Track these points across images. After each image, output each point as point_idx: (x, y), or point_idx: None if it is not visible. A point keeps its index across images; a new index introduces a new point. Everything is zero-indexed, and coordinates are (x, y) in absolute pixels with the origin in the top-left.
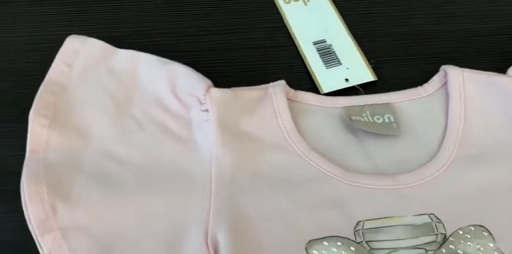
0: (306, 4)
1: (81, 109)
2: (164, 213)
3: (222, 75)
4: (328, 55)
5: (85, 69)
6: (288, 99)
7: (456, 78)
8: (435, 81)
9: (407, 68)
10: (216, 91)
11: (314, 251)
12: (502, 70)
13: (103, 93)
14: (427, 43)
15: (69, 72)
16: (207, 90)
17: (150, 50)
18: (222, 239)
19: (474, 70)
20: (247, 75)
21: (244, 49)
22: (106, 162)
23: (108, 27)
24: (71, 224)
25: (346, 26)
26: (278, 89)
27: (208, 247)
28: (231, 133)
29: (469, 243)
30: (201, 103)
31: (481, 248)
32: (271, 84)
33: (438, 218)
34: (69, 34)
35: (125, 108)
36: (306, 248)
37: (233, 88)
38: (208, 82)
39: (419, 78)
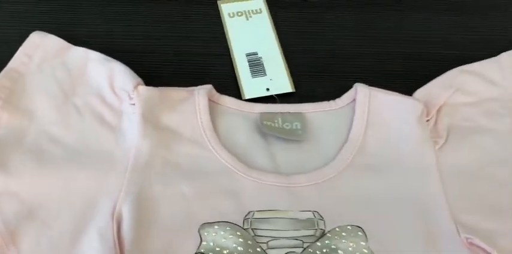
0: (247, 19)
1: (32, 95)
2: (84, 187)
3: (159, 76)
4: (256, 66)
5: (42, 61)
6: (211, 101)
7: (363, 95)
8: (346, 96)
9: (325, 84)
10: (143, 89)
11: (205, 233)
12: (411, 92)
13: (53, 83)
14: (346, 62)
15: (28, 62)
16: (136, 87)
17: (102, 49)
18: (126, 214)
19: (381, 90)
20: (182, 78)
21: (185, 54)
22: (44, 141)
23: (71, 27)
24: (4, 189)
25: (278, 42)
26: (202, 91)
27: (113, 220)
28: (152, 125)
29: (343, 240)
30: (130, 98)
31: (354, 246)
32: (199, 86)
33: (321, 216)
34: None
35: (70, 97)
36: (198, 230)
37: (162, 87)
38: (138, 80)
39: (334, 93)
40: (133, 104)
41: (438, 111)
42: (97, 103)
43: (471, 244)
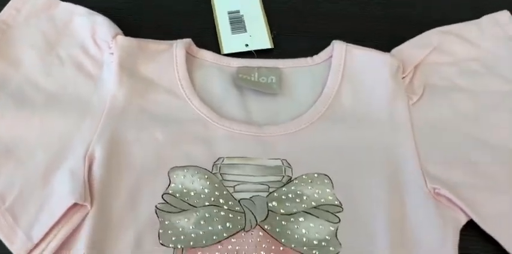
0: None
1: (18, 45)
2: (61, 130)
3: (141, 33)
4: (237, 23)
5: (29, 15)
6: (190, 54)
7: (340, 50)
8: (324, 53)
9: (304, 43)
10: (121, 38)
11: (174, 176)
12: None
13: (39, 35)
14: (327, 22)
15: (16, 15)
16: (114, 37)
17: (88, 5)
18: (98, 154)
19: (358, 46)
20: (162, 35)
21: (167, 11)
22: (26, 87)
23: None
24: None
25: (261, 1)
26: (181, 44)
27: (85, 162)
28: (129, 74)
29: (309, 187)
30: (110, 47)
31: (319, 192)
32: (178, 40)
33: (289, 164)
34: None
35: (54, 48)
36: (168, 172)
37: (141, 39)
38: (118, 30)
39: (312, 52)
40: (112, 53)
41: (415, 69)
42: (80, 54)
43: (438, 194)
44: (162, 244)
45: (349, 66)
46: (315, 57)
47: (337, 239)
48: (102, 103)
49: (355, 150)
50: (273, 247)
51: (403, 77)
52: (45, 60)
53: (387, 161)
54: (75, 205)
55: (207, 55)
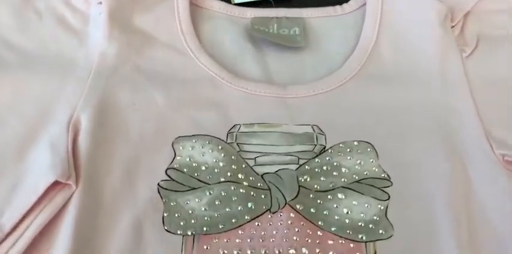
0: None
1: None
2: (38, 94)
3: None
4: None
5: None
6: (194, 5)
7: None
8: (355, 0)
9: None
10: None
11: (180, 147)
12: None
13: None
14: None
15: None
16: None
17: None
18: (85, 122)
19: None
20: None
21: None
22: None
23: None
24: None
25: None
26: None
27: (69, 131)
28: (121, 27)
29: (348, 157)
30: None
31: (361, 163)
32: None
33: (321, 130)
34: None
35: (31, 0)
36: (172, 144)
37: None
38: None
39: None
40: (100, 3)
41: (465, 17)
42: (60, 5)
43: (508, 162)
44: (167, 231)
45: (387, 13)
46: (344, 5)
47: (388, 220)
48: (89, 62)
49: (400, 112)
50: (309, 232)
51: (452, 27)
52: (19, 15)
53: (441, 125)
54: (56, 184)
55: (215, 4)
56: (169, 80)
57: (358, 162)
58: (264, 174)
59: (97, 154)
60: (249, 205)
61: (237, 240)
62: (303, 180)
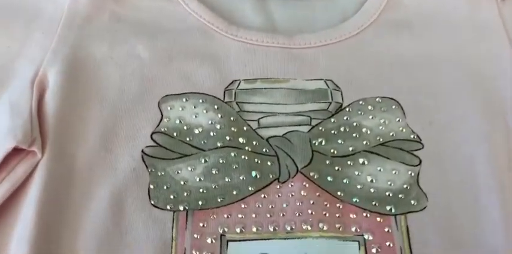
0: None
1: None
2: None
3: None
4: None
5: None
6: None
7: None
8: None
9: None
10: None
11: (168, 107)
12: None
13: None
14: None
15: None
16: None
17: None
18: (53, 80)
19: None
20: None
21: None
22: None
23: None
24: None
25: None
26: None
27: (33, 88)
28: None
29: (370, 116)
30: None
31: (386, 123)
32: None
33: (336, 86)
34: None
35: None
36: (158, 103)
37: None
38: None
39: None
40: None
41: None
42: None
43: None
44: (154, 206)
45: None
46: None
47: (421, 188)
48: (58, 9)
49: (427, 63)
50: (326, 204)
51: None
52: None
53: (475, 76)
54: (16, 151)
55: None
56: (154, 30)
57: (382, 121)
58: (269, 137)
59: (67, 116)
60: (253, 174)
61: (240, 215)
62: (317, 144)
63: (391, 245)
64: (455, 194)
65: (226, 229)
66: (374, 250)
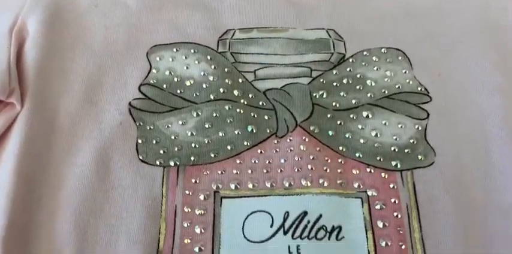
0: None
1: None
2: None
3: None
4: None
5: None
6: None
7: None
8: None
9: None
10: None
11: (157, 58)
12: None
13: None
14: None
15: None
16: None
17: None
18: (33, 29)
19: None
20: None
21: None
22: None
23: None
24: None
25: None
26: None
27: (11, 37)
28: None
29: (374, 67)
30: None
31: (391, 75)
32: None
33: (339, 35)
34: None
35: None
36: (147, 54)
37: None
38: None
39: None
40: None
41: None
42: None
43: None
44: (143, 161)
45: None
46: None
47: (428, 143)
48: None
49: (436, 11)
50: (327, 159)
51: None
52: None
53: (488, 25)
54: None
55: None
56: None
57: (388, 73)
58: (266, 90)
59: (49, 67)
60: (249, 128)
61: (234, 171)
62: (317, 96)
63: (397, 201)
64: (465, 148)
65: (220, 186)
66: (378, 207)
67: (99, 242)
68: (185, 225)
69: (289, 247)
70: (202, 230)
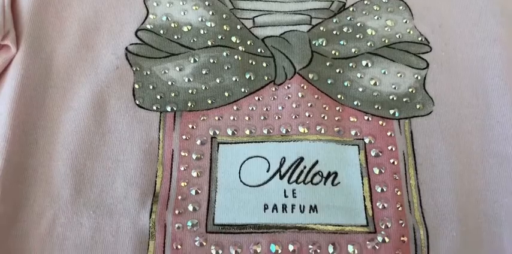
0: None
1: None
2: None
3: None
4: None
5: None
6: None
7: None
8: None
9: None
10: None
11: (154, 3)
12: None
13: None
14: None
15: None
16: None
17: None
18: None
19: None
20: None
21: None
22: None
23: None
24: None
25: None
26: None
27: None
28: None
29: (375, 16)
30: None
31: (392, 24)
32: None
33: None
34: None
35: None
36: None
37: None
38: None
39: None
40: None
41: None
42: None
43: None
44: (139, 106)
45: None
46: None
47: (427, 92)
48: None
49: None
50: (325, 107)
51: None
52: None
53: None
54: None
55: None
56: None
57: (388, 22)
58: (265, 37)
59: (45, 10)
60: (247, 75)
61: (232, 118)
62: (317, 44)
63: (393, 149)
64: (465, 98)
65: (217, 132)
66: (374, 154)
67: (95, 183)
68: (182, 169)
69: (284, 191)
70: (199, 174)
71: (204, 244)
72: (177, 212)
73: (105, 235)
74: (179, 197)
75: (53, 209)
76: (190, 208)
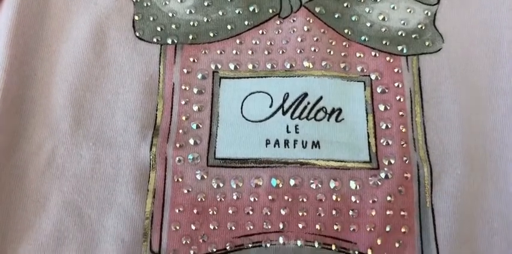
0: None
1: None
2: None
3: None
4: None
5: None
6: None
7: None
8: None
9: None
10: None
11: None
12: None
13: None
14: None
15: None
16: None
17: None
18: None
19: None
20: None
21: None
22: None
23: None
24: None
25: None
26: None
27: None
28: None
29: None
30: None
31: None
32: None
33: None
34: None
35: None
36: None
37: None
38: None
39: None
40: None
41: None
42: None
43: None
44: (139, 38)
45: None
46: None
47: (437, 29)
48: None
49: None
50: (331, 42)
51: None
52: None
53: None
54: None
55: None
56: None
57: None
58: None
59: None
60: (251, 8)
61: (234, 52)
62: None
63: (400, 86)
64: (476, 36)
65: (219, 66)
66: (380, 90)
67: (95, 116)
68: (182, 102)
69: (287, 127)
70: (200, 109)
71: (205, 177)
72: (177, 145)
73: (105, 167)
74: (180, 131)
75: (52, 141)
76: (191, 141)
